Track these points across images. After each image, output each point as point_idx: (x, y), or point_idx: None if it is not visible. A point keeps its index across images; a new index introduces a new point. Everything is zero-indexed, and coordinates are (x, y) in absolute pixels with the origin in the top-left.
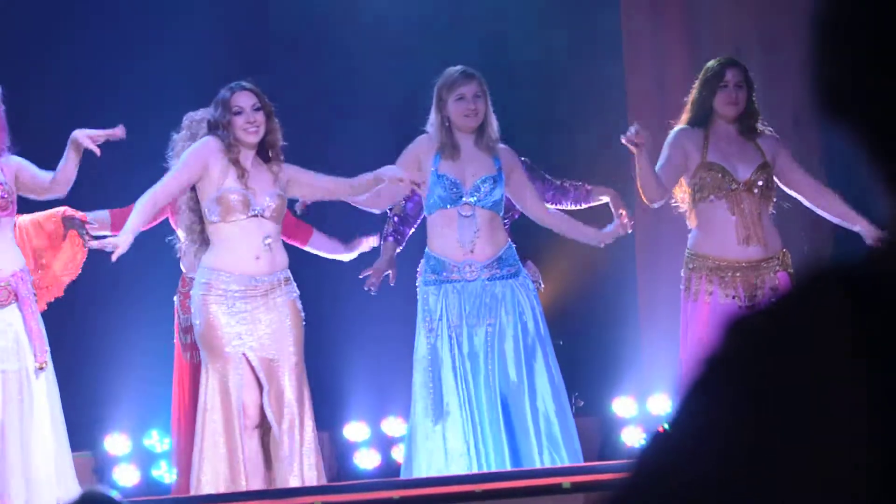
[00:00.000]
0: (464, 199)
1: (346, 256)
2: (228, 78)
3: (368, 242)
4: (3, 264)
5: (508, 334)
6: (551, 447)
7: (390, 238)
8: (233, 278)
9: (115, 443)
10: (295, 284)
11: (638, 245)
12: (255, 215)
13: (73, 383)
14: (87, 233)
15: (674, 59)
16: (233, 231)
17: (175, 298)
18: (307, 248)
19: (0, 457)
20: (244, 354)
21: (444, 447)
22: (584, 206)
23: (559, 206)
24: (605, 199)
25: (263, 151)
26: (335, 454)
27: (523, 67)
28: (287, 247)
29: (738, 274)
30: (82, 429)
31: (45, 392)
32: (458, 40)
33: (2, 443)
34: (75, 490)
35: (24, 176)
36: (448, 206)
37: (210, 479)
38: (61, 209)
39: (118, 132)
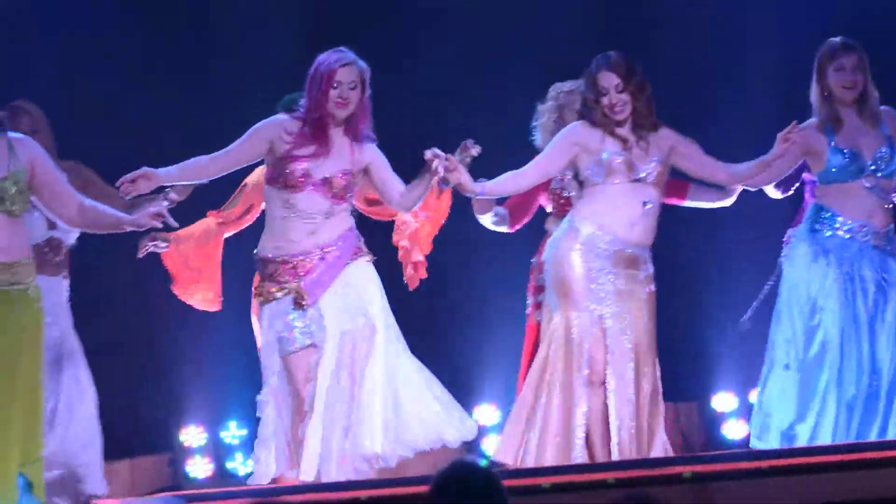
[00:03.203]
0: (865, 171)
1: (727, 202)
2: None
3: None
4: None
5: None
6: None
7: None
8: (606, 239)
9: (484, 413)
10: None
11: None
12: (638, 180)
13: (446, 354)
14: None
15: None
16: (614, 193)
17: (533, 260)
18: (686, 203)
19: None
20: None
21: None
22: None
23: None
24: None
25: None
26: (702, 424)
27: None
28: None
29: None
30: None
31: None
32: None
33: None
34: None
35: (374, 175)
36: (849, 180)
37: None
38: None
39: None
